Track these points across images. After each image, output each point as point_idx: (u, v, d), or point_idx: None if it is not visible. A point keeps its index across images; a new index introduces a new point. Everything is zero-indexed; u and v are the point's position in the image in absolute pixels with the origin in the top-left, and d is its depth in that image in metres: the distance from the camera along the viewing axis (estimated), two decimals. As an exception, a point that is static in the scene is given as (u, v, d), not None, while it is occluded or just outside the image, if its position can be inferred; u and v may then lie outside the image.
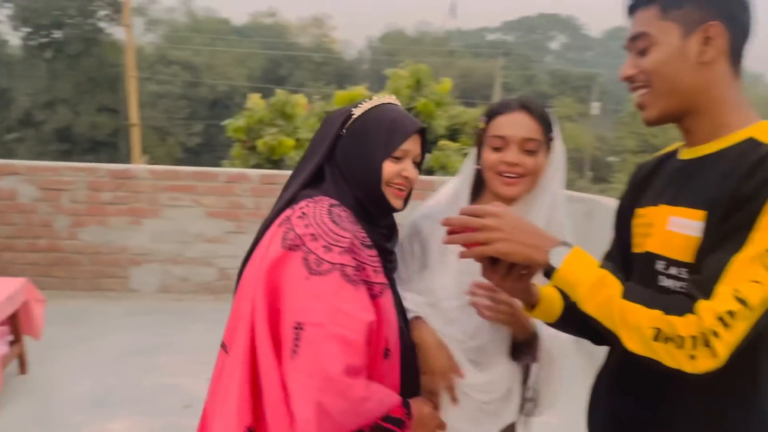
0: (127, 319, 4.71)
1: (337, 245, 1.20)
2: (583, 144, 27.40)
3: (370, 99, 1.42)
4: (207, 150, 34.00)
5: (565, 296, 1.18)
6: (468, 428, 1.43)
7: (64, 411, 3.40)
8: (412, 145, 1.33)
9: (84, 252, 5.03)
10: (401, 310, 1.37)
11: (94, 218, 5.01)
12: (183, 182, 5.05)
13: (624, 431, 1.15)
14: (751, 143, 1.02)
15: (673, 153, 1.20)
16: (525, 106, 1.40)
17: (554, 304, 1.24)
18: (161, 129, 27.79)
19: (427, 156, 7.42)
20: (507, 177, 1.39)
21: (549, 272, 1.06)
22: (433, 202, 1.57)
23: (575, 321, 1.15)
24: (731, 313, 0.90)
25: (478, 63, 39.49)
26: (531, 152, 1.38)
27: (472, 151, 1.50)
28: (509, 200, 1.41)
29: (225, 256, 5.14)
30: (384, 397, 1.24)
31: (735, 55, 1.08)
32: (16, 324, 3.63)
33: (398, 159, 1.31)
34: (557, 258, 1.04)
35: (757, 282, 0.91)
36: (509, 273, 1.13)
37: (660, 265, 1.09)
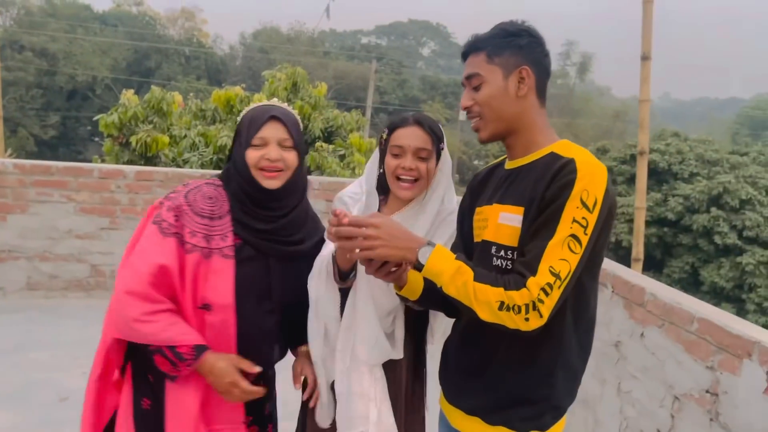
0: (-10, 317, 4.55)
1: (170, 208, 1.59)
2: (450, 148, 28.85)
3: (259, 102, 1.78)
4: (64, 143, 31.74)
5: (425, 280, 1.52)
6: (363, 354, 1.72)
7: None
8: (271, 131, 1.60)
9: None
10: (265, 283, 1.67)
11: (-47, 214, 4.77)
12: (54, 177, 4.94)
13: (470, 377, 1.52)
14: (553, 156, 1.42)
15: (501, 163, 1.60)
16: (418, 121, 1.75)
17: (417, 285, 1.59)
18: (11, 120, 25.64)
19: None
20: (403, 182, 1.73)
21: (419, 267, 1.40)
22: (351, 188, 1.90)
23: (433, 298, 1.54)
24: (549, 285, 1.29)
25: (352, 65, 40.15)
26: (423, 159, 1.73)
27: (375, 154, 1.86)
28: (406, 200, 1.77)
29: (98, 253, 5.08)
30: (174, 332, 1.54)
31: (540, 89, 1.49)
32: None
33: (258, 146, 1.59)
34: (424, 255, 1.38)
35: (564, 260, 1.30)
36: (386, 269, 1.47)
37: (493, 249, 1.46)
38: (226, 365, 1.59)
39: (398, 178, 1.74)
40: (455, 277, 1.35)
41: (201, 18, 44.90)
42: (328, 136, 8.27)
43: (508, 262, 1.42)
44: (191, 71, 35.05)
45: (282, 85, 7.94)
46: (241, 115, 1.68)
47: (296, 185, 1.67)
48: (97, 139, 30.56)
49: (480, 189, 1.61)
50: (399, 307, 1.76)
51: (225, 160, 7.03)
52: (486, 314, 1.33)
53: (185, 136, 7.06)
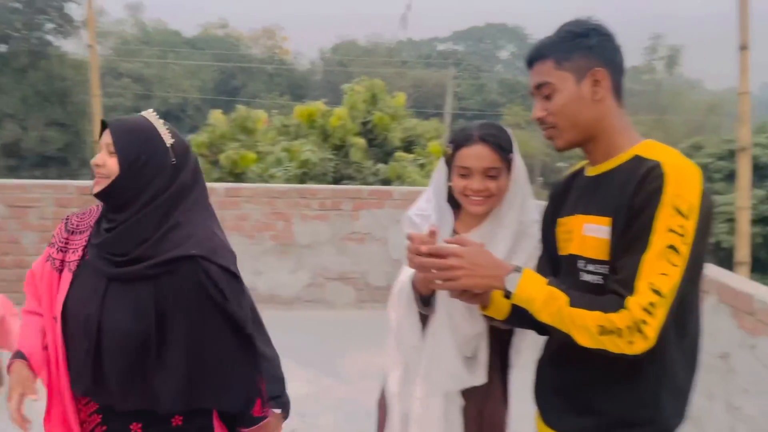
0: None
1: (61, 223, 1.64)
2: (532, 150, 28.24)
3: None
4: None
5: None
6: (441, 382, 1.68)
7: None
8: (105, 138, 1.50)
9: (53, 267, 5.12)
10: (95, 305, 1.48)
11: (63, 234, 5.11)
12: (150, 197, 5.21)
13: (567, 398, 1.44)
14: (638, 160, 1.32)
15: (581, 170, 1.50)
16: (483, 139, 1.66)
17: (504, 305, 1.52)
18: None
19: (384, 167, 7.72)
20: (474, 198, 1.66)
21: (507, 295, 1.34)
22: (418, 206, 1.83)
23: (523, 317, 1.44)
24: (652, 304, 1.19)
25: (429, 73, 40.19)
26: (492, 177, 1.65)
27: (442, 166, 1.79)
28: (478, 216, 1.70)
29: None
30: (17, 338, 1.65)
31: (617, 89, 1.39)
32: None
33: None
34: (512, 282, 1.32)
35: (664, 274, 1.20)
36: (470, 293, 1.43)
37: (581, 264, 1.37)
38: (19, 378, 1.54)
39: (467, 196, 1.68)
40: (548, 303, 1.28)
41: (281, 36, 46.35)
42: (408, 146, 8.30)
43: (598, 277, 1.33)
44: (274, 88, 36.22)
45: (361, 97, 8.05)
46: None
47: (121, 194, 1.47)
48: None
49: (561, 198, 1.52)
50: (483, 330, 1.69)
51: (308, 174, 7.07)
52: (586, 340, 1.25)
53: (270, 152, 7.28)
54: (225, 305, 1.46)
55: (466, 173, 1.66)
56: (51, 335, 1.55)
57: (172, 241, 1.47)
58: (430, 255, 1.35)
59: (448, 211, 1.75)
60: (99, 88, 5.34)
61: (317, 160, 7.04)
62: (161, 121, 1.53)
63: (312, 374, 4.12)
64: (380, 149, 7.89)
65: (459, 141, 1.71)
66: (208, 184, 6.05)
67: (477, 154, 1.65)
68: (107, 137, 1.50)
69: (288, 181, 6.97)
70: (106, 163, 1.47)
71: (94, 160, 1.50)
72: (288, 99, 32.22)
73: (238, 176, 6.86)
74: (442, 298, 1.64)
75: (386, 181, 7.49)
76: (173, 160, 1.50)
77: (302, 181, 6.91)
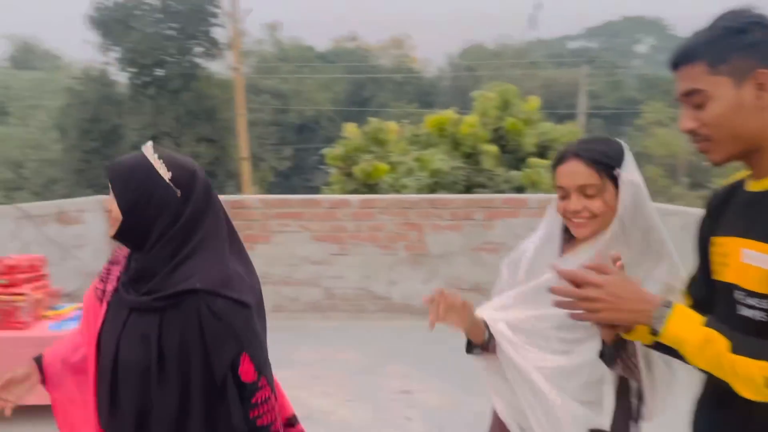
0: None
1: None
2: (676, 149, 26.34)
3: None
4: (296, 173, 35.31)
5: None
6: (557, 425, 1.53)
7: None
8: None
9: (205, 276, 5.53)
10: (115, 327, 1.50)
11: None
12: (291, 209, 5.47)
13: None
14: None
15: (741, 183, 1.28)
16: (577, 154, 1.50)
17: (648, 336, 1.32)
18: (255, 156, 29.23)
19: (517, 174, 7.55)
20: (576, 221, 1.51)
21: (654, 332, 1.16)
22: (525, 243, 1.71)
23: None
24: None
25: (561, 72, 38.85)
26: (591, 196, 1.47)
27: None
28: (584, 240, 1.53)
29: (330, 277, 5.50)
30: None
31: None
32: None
33: None
34: (660, 319, 1.14)
35: None
36: (610, 326, 1.26)
37: (739, 295, 1.17)
38: (14, 377, 1.64)
39: (569, 219, 1.52)
40: (704, 348, 1.10)
41: (409, 44, 47.00)
42: (542, 151, 8.05)
43: (762, 313, 1.13)
44: (402, 96, 36.79)
45: (492, 103, 7.94)
46: None
47: (129, 236, 1.49)
48: (323, 167, 33.38)
49: (718, 213, 1.30)
50: (606, 371, 1.50)
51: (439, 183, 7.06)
52: (748, 392, 1.07)
53: (402, 162, 7.39)
54: (238, 343, 1.45)
55: (563, 194, 1.52)
56: (90, 366, 1.58)
57: (180, 274, 1.45)
58: (568, 280, 1.21)
59: (557, 237, 1.60)
60: (244, 107, 5.68)
61: (448, 168, 7.04)
62: (156, 155, 1.48)
63: (448, 386, 4.09)
64: (513, 156, 7.73)
65: (556, 159, 1.57)
66: (343, 197, 6.25)
67: (571, 171, 1.50)
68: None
69: (419, 190, 7.04)
70: (112, 208, 1.49)
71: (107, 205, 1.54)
72: (416, 107, 32.59)
73: (371, 187, 7.04)
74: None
75: (520, 189, 7.32)
76: (177, 192, 1.46)
77: (433, 191, 6.93)
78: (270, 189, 26.50)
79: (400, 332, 5.22)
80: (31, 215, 5.13)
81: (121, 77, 22.77)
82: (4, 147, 24.27)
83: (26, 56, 31.71)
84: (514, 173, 7.36)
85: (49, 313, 3.88)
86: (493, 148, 7.53)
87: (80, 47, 36.48)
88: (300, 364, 4.57)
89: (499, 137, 7.80)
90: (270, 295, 5.47)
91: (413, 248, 5.44)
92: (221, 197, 5.06)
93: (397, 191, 7.11)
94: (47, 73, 28.62)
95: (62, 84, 25.48)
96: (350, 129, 7.17)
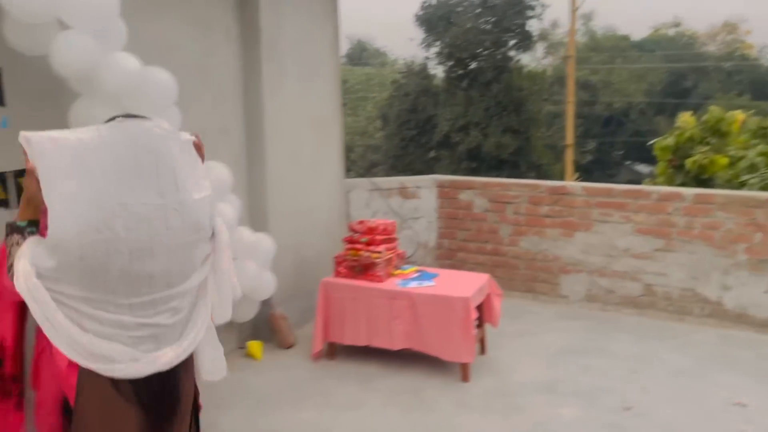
0: (558, 322, 5.20)
1: None
2: None
3: None
4: (598, 167, 33.88)
5: None
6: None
7: (519, 390, 4.00)
8: None
9: (522, 258, 5.74)
10: None
11: (532, 229, 5.68)
12: (614, 199, 5.33)
13: None
14: None
15: None
16: None
17: None
18: (555, 147, 28.92)
19: None
20: None
21: None
22: None
23: None
24: None
25: None
26: None
27: None
28: None
29: (652, 273, 5.23)
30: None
31: None
32: (481, 312, 4.41)
33: None
34: None
35: None
36: None
37: None
38: None
39: None
40: None
41: (744, 29, 41.19)
42: None
43: None
44: (732, 87, 32.55)
45: None
46: None
47: None
48: (628, 162, 31.39)
49: None
50: None
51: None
52: None
53: (743, 156, 6.60)
54: None
55: None
56: None
57: None
58: None
59: None
60: (573, 95, 5.68)
61: (801, 167, 6.07)
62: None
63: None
64: None
65: None
66: (675, 190, 5.86)
67: None
68: None
69: (764, 189, 6.22)
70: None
71: None
72: (748, 99, 28.52)
73: (703, 182, 6.45)
74: None
75: None
76: None
77: (780, 191, 6.06)
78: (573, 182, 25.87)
79: (731, 341, 4.74)
80: (380, 188, 5.93)
81: (438, 71, 24.49)
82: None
83: (360, 54, 36.11)
84: None
85: (396, 272, 4.45)
86: None
87: (405, 45, 40.24)
88: (616, 356, 4.48)
89: None
90: (584, 284, 5.46)
91: (756, 252, 4.86)
92: (541, 183, 5.22)
93: (734, 189, 6.40)
94: (376, 69, 32.21)
95: (388, 78, 28.48)
96: (685, 118, 6.64)
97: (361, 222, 4.44)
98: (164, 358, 1.79)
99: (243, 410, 3.74)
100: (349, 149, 27.99)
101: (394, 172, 22.90)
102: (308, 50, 4.94)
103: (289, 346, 4.63)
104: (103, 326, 1.72)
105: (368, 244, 4.34)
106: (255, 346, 4.49)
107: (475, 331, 4.14)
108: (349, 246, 4.39)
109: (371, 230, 4.37)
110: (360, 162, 27.36)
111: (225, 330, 4.43)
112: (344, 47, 36.45)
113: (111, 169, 1.73)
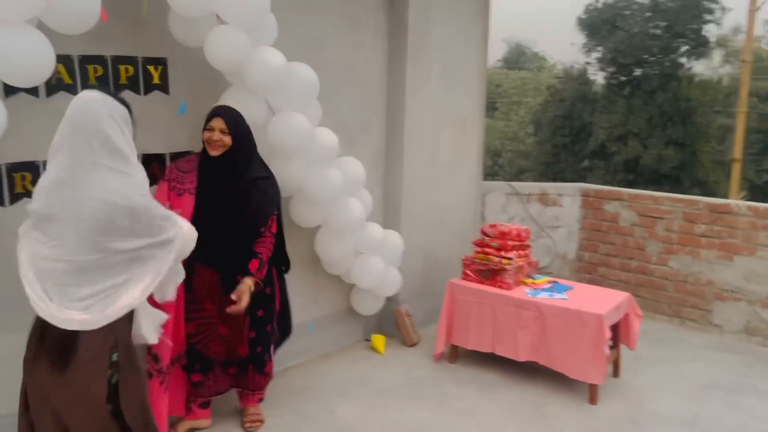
0: (707, 352, 4.72)
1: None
2: None
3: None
4: (776, 189, 30.35)
5: None
6: None
7: (652, 421, 3.67)
8: (215, 123, 3.04)
9: (671, 279, 5.27)
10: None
11: (685, 248, 5.19)
12: (787, 223, 4.73)
13: None
14: None
15: None
16: None
17: None
18: (725, 164, 26.35)
19: None
20: None
21: None
22: None
23: None
24: None
25: None
26: None
27: None
28: None
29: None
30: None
31: None
32: (616, 332, 4.11)
33: (209, 129, 3.05)
34: None
35: None
36: None
37: None
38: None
39: None
40: None
41: None
42: None
43: None
44: None
45: None
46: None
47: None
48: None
49: None
50: None
51: None
52: None
53: None
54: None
55: None
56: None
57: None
58: None
59: None
60: (745, 105, 5.11)
61: None
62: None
63: None
64: None
65: None
66: None
67: None
68: (219, 123, 3.04)
69: None
70: (215, 137, 3.03)
71: (212, 137, 3.06)
72: None
73: None
74: None
75: None
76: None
77: None
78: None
79: None
80: (519, 193, 5.75)
81: (598, 77, 23.34)
82: (488, 137, 27.81)
83: (517, 58, 35.40)
84: None
85: (527, 280, 4.28)
86: None
87: (566, 49, 38.81)
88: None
89: None
90: (742, 314, 4.89)
91: None
92: (700, 199, 4.77)
93: None
94: (532, 73, 31.41)
95: (544, 83, 27.65)
96: None
97: (493, 226, 4.32)
98: None
99: (361, 401, 3.80)
100: (497, 154, 27.58)
101: (542, 179, 22.20)
102: (454, 50, 4.90)
103: (413, 344, 4.63)
104: None
105: (499, 249, 4.22)
106: (379, 339, 4.54)
107: (607, 352, 3.86)
108: (479, 249, 4.30)
109: (503, 235, 4.24)
110: (508, 167, 26.84)
111: (351, 321, 4.54)
112: (501, 51, 35.90)
113: None
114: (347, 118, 4.33)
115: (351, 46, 4.31)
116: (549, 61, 33.60)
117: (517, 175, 25.06)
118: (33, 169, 2.88)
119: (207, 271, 3.11)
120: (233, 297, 2.91)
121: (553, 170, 22.99)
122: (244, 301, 2.92)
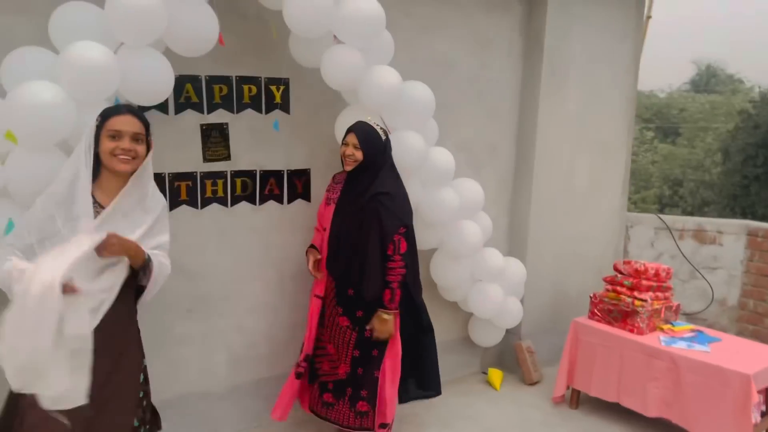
0: None
1: None
2: None
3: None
4: None
5: None
6: None
7: None
8: (349, 138, 3.13)
9: None
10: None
11: None
12: None
13: None
14: None
15: None
16: None
17: None
18: None
19: None
20: None
21: None
22: None
23: None
24: None
25: None
26: None
27: None
28: None
29: None
30: None
31: None
32: (772, 397, 3.49)
33: (344, 144, 3.16)
34: None
35: None
36: None
37: None
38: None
39: None
40: None
41: None
42: None
43: None
44: None
45: None
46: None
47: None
48: None
49: None
50: None
51: None
52: None
53: None
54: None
55: None
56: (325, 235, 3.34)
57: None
58: None
59: None
60: None
61: None
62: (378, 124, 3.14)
63: None
64: None
65: None
66: None
67: None
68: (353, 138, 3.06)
69: None
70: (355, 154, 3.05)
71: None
72: None
73: None
74: None
75: None
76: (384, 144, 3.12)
77: None
78: None
79: None
80: (670, 227, 5.16)
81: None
82: (668, 165, 25.59)
83: (707, 80, 32.39)
84: None
85: (664, 326, 3.82)
86: None
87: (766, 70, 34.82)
88: None
89: None
90: None
91: None
92: None
93: None
94: (724, 96, 28.55)
95: (737, 107, 24.96)
96: None
97: (627, 262, 3.91)
98: None
99: (463, 437, 3.60)
100: (677, 183, 25.30)
101: (728, 213, 20.01)
102: (598, 71, 4.54)
103: (532, 383, 4.32)
104: None
105: (632, 288, 3.80)
106: (495, 374, 4.30)
107: (757, 419, 3.29)
108: (610, 288, 3.91)
109: (638, 273, 3.81)
110: (689, 198, 24.51)
111: (468, 352, 4.36)
112: (690, 72, 33.18)
113: None
114: (473, 139, 4.19)
115: (480, 65, 4.17)
116: (746, 84, 30.35)
117: (701, 207, 22.78)
118: (159, 181, 3.12)
119: (329, 278, 3.22)
120: (367, 330, 3.13)
121: (742, 204, 20.57)
122: (382, 334, 3.11)
